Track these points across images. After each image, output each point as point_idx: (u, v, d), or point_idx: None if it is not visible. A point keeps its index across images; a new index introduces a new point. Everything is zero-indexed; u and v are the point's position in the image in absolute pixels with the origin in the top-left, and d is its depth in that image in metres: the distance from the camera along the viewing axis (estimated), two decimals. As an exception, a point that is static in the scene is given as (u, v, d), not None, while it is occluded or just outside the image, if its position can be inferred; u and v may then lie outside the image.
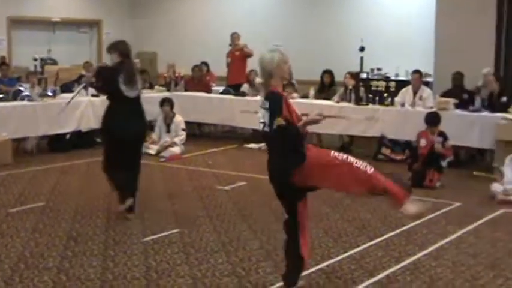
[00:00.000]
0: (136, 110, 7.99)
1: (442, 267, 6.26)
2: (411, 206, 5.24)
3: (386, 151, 11.99)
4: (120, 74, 7.74)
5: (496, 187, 9.06)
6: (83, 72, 14.95)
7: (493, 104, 11.50)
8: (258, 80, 5.59)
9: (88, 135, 12.98)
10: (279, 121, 5.15)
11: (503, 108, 10.98)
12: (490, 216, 8.20)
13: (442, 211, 8.40)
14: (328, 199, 8.73)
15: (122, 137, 7.78)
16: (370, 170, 5.20)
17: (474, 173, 10.64)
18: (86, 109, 12.69)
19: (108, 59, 17.61)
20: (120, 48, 7.99)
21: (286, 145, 5.26)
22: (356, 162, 5.22)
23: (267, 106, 5.27)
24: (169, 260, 6.40)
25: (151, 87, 14.90)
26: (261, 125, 5.37)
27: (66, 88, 13.70)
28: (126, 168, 7.89)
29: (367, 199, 8.94)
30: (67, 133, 12.58)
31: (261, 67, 5.47)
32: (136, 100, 7.99)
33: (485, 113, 11.21)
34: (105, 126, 7.97)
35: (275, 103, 5.24)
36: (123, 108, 7.83)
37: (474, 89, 12.36)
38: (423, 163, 9.87)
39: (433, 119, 10.10)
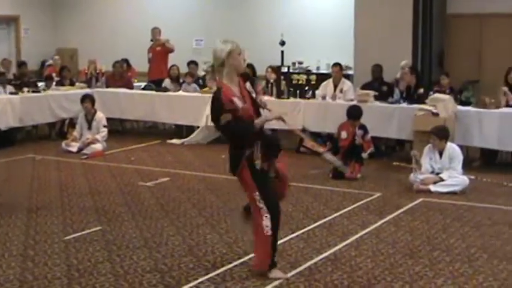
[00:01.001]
0: None
1: (362, 257, 6.37)
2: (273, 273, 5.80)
3: (308, 144, 12.10)
4: None
5: (415, 177, 9.27)
6: (1, 69, 14.66)
7: (410, 96, 11.75)
8: (204, 68, 5.86)
9: (7, 134, 12.70)
10: (225, 117, 5.48)
11: (421, 100, 11.22)
12: (409, 206, 8.38)
13: (362, 202, 8.54)
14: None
15: None
16: (267, 232, 5.61)
17: (394, 163, 10.85)
18: (5, 107, 12.41)
19: (25, 56, 17.33)
20: None
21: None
22: (263, 220, 5.60)
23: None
24: (90, 258, 6.34)
25: (72, 83, 14.67)
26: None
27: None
28: None
29: (290, 192, 9.04)
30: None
31: (213, 57, 5.64)
32: None
33: (403, 105, 11.44)
34: None
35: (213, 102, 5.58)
36: None
37: (393, 81, 12.62)
38: (344, 155, 10.00)
39: (355, 113, 10.22)
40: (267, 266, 5.77)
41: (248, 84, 5.79)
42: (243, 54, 5.66)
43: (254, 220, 5.71)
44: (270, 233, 5.62)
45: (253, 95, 5.77)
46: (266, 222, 5.60)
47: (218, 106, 5.51)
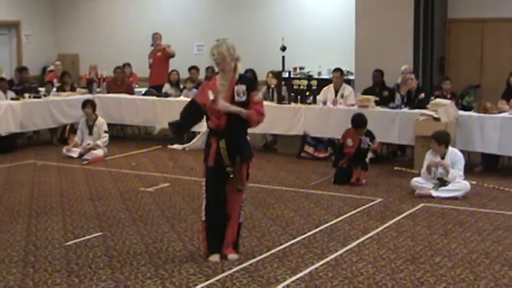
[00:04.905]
0: None
1: (363, 263, 6.35)
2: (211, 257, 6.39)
3: (309, 149, 12.07)
4: None
5: (416, 181, 9.24)
6: (3, 75, 14.67)
7: (411, 101, 11.73)
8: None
9: (8, 140, 12.68)
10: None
11: (422, 105, 11.20)
12: (410, 211, 8.35)
13: (363, 207, 8.51)
14: (251, 198, 8.79)
15: None
16: (202, 218, 6.40)
17: (395, 168, 10.83)
18: (5, 113, 12.40)
19: (27, 62, 17.32)
20: None
21: None
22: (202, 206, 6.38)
23: None
24: (91, 263, 6.32)
25: (73, 89, 14.66)
26: None
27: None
28: None
29: (291, 197, 9.04)
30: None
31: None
32: None
33: (405, 110, 11.43)
34: None
35: None
36: None
37: (394, 86, 12.61)
38: (349, 161, 9.92)
39: (359, 121, 10.06)
40: (205, 248, 6.42)
41: (242, 87, 6.37)
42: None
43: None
44: (203, 218, 6.35)
45: (241, 97, 6.34)
46: (202, 207, 6.37)
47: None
